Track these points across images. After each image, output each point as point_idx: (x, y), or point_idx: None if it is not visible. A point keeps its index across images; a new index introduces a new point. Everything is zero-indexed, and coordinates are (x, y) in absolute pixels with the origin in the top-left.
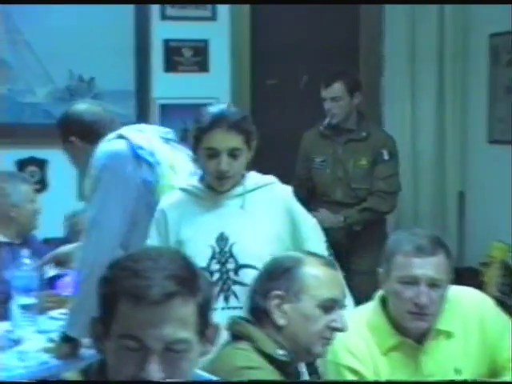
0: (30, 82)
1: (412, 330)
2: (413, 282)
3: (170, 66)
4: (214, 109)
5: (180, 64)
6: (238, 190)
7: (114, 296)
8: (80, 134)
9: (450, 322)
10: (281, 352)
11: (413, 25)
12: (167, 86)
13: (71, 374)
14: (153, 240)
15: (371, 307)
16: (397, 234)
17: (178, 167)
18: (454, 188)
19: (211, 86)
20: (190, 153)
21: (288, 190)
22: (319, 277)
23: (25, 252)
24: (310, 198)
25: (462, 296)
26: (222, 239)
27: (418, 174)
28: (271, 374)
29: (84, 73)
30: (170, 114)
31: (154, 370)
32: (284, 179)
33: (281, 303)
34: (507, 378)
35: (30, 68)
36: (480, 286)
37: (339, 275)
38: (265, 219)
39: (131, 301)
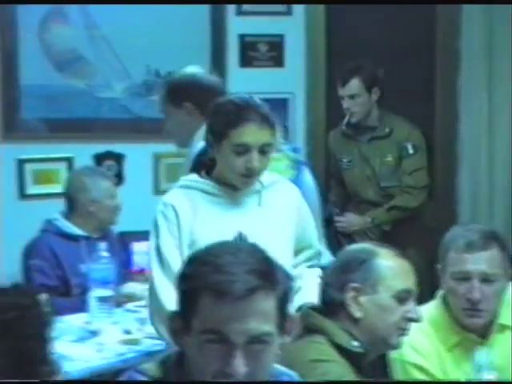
0: (107, 77)
1: (471, 326)
2: (465, 277)
3: (246, 61)
4: (240, 100)
5: (255, 59)
6: (256, 186)
7: (195, 291)
8: (196, 100)
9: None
10: (355, 344)
11: (490, 22)
12: (242, 81)
13: (149, 366)
14: (166, 241)
15: (433, 305)
16: (452, 229)
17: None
18: None
19: (286, 80)
20: (291, 154)
21: (296, 189)
22: (394, 268)
23: (102, 245)
24: (346, 197)
25: None
26: (240, 239)
27: (494, 171)
28: (343, 366)
29: (161, 68)
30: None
31: (239, 365)
32: None
33: (357, 295)
34: None
35: (107, 63)
36: None
37: (411, 266)
38: (281, 218)
39: (214, 296)
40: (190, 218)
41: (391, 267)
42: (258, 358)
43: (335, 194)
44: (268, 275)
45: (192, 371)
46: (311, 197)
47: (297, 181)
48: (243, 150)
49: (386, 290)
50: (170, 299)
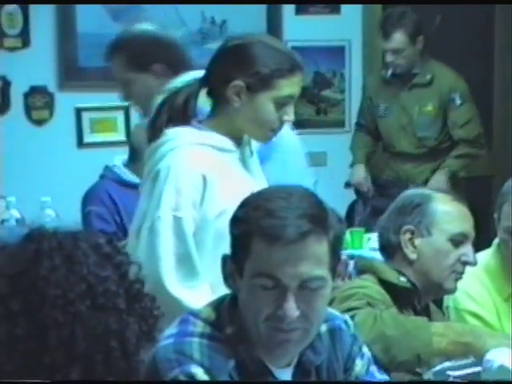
0: (163, 25)
1: None
2: None
3: (301, 8)
4: (282, 46)
5: (311, 6)
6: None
7: (247, 236)
8: (167, 59)
9: None
10: (403, 279)
11: None
12: (298, 29)
13: (203, 309)
14: (188, 214)
15: (490, 253)
16: (510, 180)
17: None
18: None
19: (343, 27)
20: None
21: None
22: (450, 212)
23: None
24: (372, 149)
25: None
26: None
27: None
28: (379, 293)
29: (216, 15)
30: (301, 56)
31: (291, 308)
32: None
33: (412, 238)
34: None
35: (163, 11)
36: None
37: (468, 210)
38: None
39: (266, 240)
40: (217, 186)
41: (447, 211)
42: (311, 302)
43: (362, 146)
44: (320, 219)
45: (244, 314)
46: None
47: None
48: (286, 101)
49: (441, 233)
50: (172, 279)
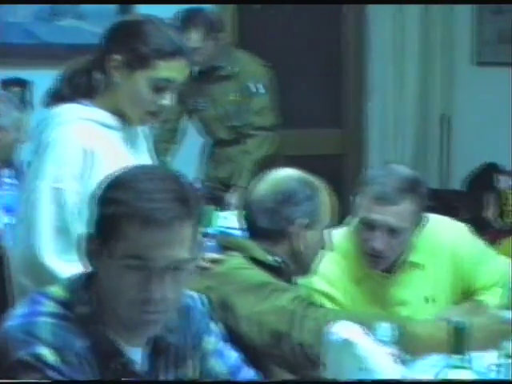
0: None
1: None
2: (371, 225)
3: None
4: (172, 27)
5: None
6: None
7: (118, 217)
8: None
9: (422, 254)
10: (271, 258)
11: None
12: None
13: (54, 288)
14: (72, 187)
15: (343, 233)
16: (374, 169)
17: None
18: (437, 111)
19: None
20: None
21: None
22: (327, 203)
23: (6, 172)
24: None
25: (435, 226)
26: None
27: (404, 96)
28: (264, 274)
29: None
30: None
31: (157, 290)
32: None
33: (303, 230)
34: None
35: None
36: (464, 208)
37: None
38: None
39: (137, 223)
40: (105, 161)
41: (326, 203)
42: (175, 284)
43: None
44: (188, 202)
45: (104, 294)
46: None
47: None
48: (164, 85)
49: (322, 224)
50: (48, 251)
